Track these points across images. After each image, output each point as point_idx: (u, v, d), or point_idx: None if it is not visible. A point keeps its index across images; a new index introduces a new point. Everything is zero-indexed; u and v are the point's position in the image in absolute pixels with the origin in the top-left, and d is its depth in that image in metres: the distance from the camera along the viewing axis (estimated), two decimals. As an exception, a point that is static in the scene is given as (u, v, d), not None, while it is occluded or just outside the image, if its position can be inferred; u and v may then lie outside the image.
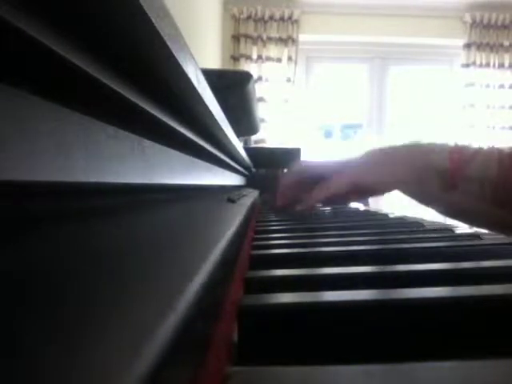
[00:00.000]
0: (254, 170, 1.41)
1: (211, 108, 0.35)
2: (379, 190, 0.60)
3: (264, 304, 0.19)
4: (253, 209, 0.69)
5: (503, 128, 3.08)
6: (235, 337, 0.18)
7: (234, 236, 0.25)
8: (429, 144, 0.57)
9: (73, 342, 0.07)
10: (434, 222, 0.59)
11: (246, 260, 0.31)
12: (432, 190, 0.54)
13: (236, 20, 3.03)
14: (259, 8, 3.00)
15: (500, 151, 0.51)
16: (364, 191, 0.62)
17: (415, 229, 0.52)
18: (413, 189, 0.57)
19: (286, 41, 3.03)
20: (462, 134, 3.07)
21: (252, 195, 0.94)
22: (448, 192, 0.53)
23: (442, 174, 0.52)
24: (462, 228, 0.51)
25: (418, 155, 0.55)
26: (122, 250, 0.15)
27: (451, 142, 0.57)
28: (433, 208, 0.58)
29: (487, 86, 3.08)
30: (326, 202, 0.73)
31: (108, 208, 0.24)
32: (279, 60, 3.04)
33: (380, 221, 0.66)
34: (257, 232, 0.50)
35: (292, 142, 2.96)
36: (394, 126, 3.30)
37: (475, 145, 0.54)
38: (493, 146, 0.54)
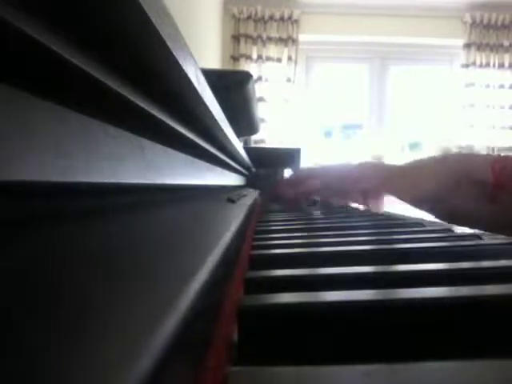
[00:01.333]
0: (254, 170, 1.41)
1: (211, 108, 0.35)
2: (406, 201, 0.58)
3: (264, 304, 0.19)
4: (253, 209, 0.69)
5: (503, 128, 3.08)
6: (235, 337, 0.18)
7: (234, 236, 0.25)
8: (469, 154, 0.56)
9: (72, 342, 0.07)
10: (433, 222, 0.59)
11: (245, 260, 0.31)
12: (466, 202, 0.52)
13: (236, 20, 3.03)
14: (259, 8, 3.00)
15: None
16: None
17: (415, 229, 0.52)
18: (442, 199, 0.54)
19: (286, 41, 3.03)
20: (462, 133, 3.07)
21: (252, 195, 0.94)
22: (486, 204, 0.50)
23: (481, 186, 0.50)
24: (461, 228, 0.51)
25: (457, 163, 0.53)
26: (122, 250, 0.15)
27: (493, 152, 0.55)
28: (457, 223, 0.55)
29: (487, 86, 3.08)
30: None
31: (108, 208, 0.24)
32: (279, 60, 3.04)
33: (380, 221, 0.66)
34: (257, 232, 0.50)
35: (292, 141, 2.96)
36: (394, 126, 3.29)
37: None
38: None
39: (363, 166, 0.63)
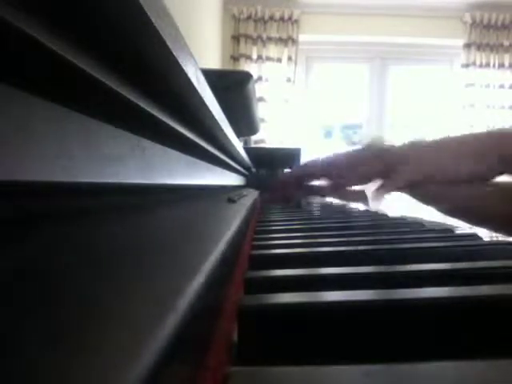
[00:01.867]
0: (254, 170, 1.41)
1: (211, 108, 0.35)
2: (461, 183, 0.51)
3: (264, 304, 0.19)
4: (253, 209, 0.69)
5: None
6: (235, 337, 0.18)
7: (234, 236, 0.25)
8: (502, 130, 0.51)
9: (73, 342, 0.07)
10: (433, 222, 0.59)
11: (245, 260, 0.31)
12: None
13: (236, 20, 3.03)
14: (259, 8, 3.00)
15: None
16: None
17: (415, 229, 0.52)
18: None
19: (286, 41, 3.03)
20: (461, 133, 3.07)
21: (252, 195, 0.94)
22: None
23: None
24: (461, 228, 0.51)
25: (496, 144, 0.50)
26: (122, 249, 0.15)
27: None
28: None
29: (487, 86, 3.08)
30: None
31: (108, 208, 0.24)
32: (279, 60, 3.03)
33: (380, 221, 0.66)
34: (257, 232, 0.50)
35: (292, 141, 2.96)
36: (394, 126, 3.29)
37: None
38: None
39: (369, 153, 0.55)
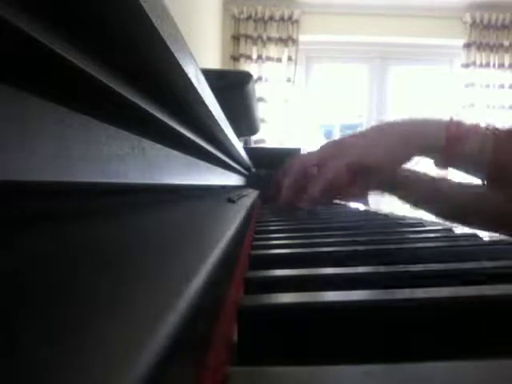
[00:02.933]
0: (253, 169, 1.41)
1: (211, 108, 0.35)
2: (382, 171, 0.55)
3: (264, 304, 0.19)
4: (253, 209, 0.69)
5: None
6: (235, 337, 0.18)
7: (233, 236, 0.25)
8: (424, 119, 0.54)
9: (73, 342, 0.07)
10: (434, 222, 0.59)
11: (245, 260, 0.31)
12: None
13: (236, 20, 3.03)
14: (259, 8, 3.00)
15: (496, 130, 0.50)
16: (365, 175, 0.55)
17: (415, 229, 0.52)
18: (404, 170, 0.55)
19: (286, 41, 3.03)
20: (461, 134, 3.07)
21: (252, 195, 0.94)
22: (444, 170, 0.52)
23: (437, 151, 0.51)
24: (461, 228, 0.51)
25: (414, 131, 0.53)
26: (121, 250, 0.15)
27: (447, 117, 0.54)
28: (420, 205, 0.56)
29: (487, 85, 3.08)
30: (326, 197, 0.62)
31: (108, 208, 0.24)
32: (279, 60, 3.03)
33: (380, 221, 0.66)
34: (257, 232, 0.50)
35: (292, 141, 2.96)
36: (394, 126, 3.29)
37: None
38: (489, 124, 0.52)
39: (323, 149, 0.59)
